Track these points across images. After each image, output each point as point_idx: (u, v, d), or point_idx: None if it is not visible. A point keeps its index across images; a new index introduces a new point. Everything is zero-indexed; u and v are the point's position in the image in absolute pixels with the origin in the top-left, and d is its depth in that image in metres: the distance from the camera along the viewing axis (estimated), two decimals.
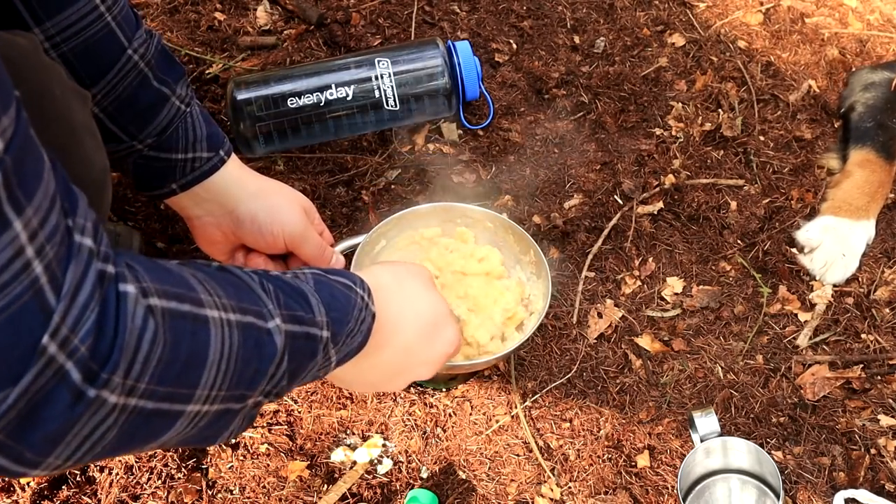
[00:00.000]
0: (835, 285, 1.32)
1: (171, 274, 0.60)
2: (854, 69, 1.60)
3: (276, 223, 1.05)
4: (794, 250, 1.36)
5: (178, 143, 1.01)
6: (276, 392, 0.70)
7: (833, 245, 1.33)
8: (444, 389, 1.20)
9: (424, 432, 1.17)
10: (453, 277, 1.20)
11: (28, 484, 1.10)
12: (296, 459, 1.14)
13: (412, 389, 1.20)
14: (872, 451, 1.16)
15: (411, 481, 1.13)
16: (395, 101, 1.40)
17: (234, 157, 1.07)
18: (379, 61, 1.41)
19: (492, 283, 1.19)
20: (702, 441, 1.11)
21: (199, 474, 1.12)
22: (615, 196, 1.41)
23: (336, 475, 1.13)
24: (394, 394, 1.20)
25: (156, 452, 1.12)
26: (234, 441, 1.15)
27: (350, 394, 1.20)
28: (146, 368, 0.55)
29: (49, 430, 0.52)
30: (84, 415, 0.53)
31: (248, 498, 1.11)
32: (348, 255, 1.15)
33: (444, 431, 1.17)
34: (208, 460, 1.14)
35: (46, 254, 0.50)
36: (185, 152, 1.01)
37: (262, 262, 1.07)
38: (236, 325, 0.63)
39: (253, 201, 1.05)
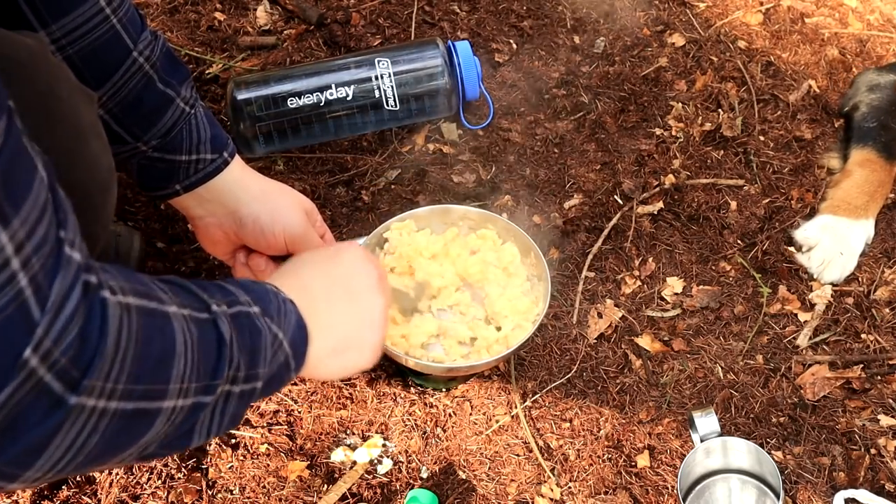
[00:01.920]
0: (833, 284, 1.32)
1: (134, 275, 0.61)
2: (860, 70, 1.60)
3: (278, 225, 1.05)
4: (792, 249, 1.36)
5: (182, 144, 1.01)
6: (242, 377, 0.70)
7: (831, 244, 1.33)
8: (444, 389, 1.20)
9: (424, 432, 1.17)
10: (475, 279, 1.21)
11: None
12: (296, 459, 1.14)
13: (412, 389, 1.20)
14: (872, 451, 1.16)
15: (411, 481, 1.13)
16: (395, 101, 1.40)
17: (237, 158, 1.07)
18: (379, 61, 1.41)
19: (509, 285, 1.20)
20: (702, 441, 1.11)
21: (199, 474, 1.12)
22: (615, 196, 1.41)
23: (336, 475, 1.13)
24: (394, 394, 1.20)
25: None
26: (234, 441, 1.15)
27: (350, 394, 1.20)
28: (123, 369, 0.55)
29: (29, 441, 0.52)
30: (65, 423, 0.53)
31: (248, 498, 1.11)
32: None
33: (444, 431, 1.17)
34: (208, 460, 1.14)
35: (32, 265, 0.50)
36: (188, 154, 1.01)
37: (263, 262, 1.08)
38: (190, 319, 0.64)
39: (255, 203, 1.05)
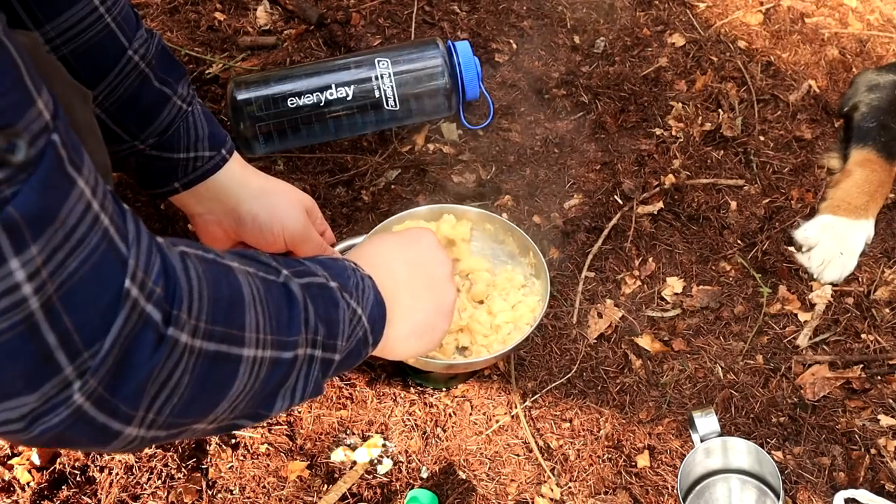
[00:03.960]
0: (833, 284, 1.32)
1: (181, 239, 0.63)
2: (860, 70, 1.60)
3: (277, 223, 1.05)
4: (792, 249, 1.36)
5: (179, 142, 1.01)
6: (322, 342, 0.71)
7: (831, 244, 1.33)
8: (444, 389, 1.20)
9: (424, 432, 1.17)
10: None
11: (28, 484, 1.10)
12: (296, 459, 1.14)
13: (412, 389, 1.20)
14: (872, 451, 1.16)
15: (411, 481, 1.13)
16: (395, 101, 1.40)
17: (236, 155, 1.07)
18: (379, 61, 1.41)
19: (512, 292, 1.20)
20: (702, 441, 1.11)
21: (199, 474, 1.12)
22: (615, 196, 1.41)
23: (336, 475, 1.13)
24: (394, 393, 1.20)
25: (155, 452, 1.13)
26: (234, 441, 1.15)
27: (350, 394, 1.20)
28: (202, 306, 0.57)
29: (139, 377, 0.54)
30: (163, 357, 0.55)
31: (248, 498, 1.11)
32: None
33: (444, 431, 1.17)
34: (208, 460, 1.14)
35: (108, 207, 0.53)
36: (186, 151, 1.01)
37: None
38: (255, 276, 0.65)
39: (254, 201, 1.05)
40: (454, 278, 0.96)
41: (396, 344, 0.88)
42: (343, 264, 0.80)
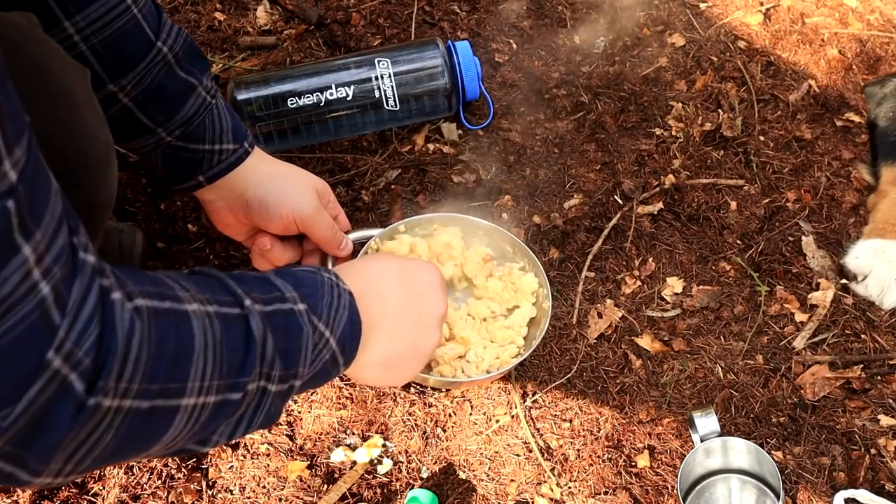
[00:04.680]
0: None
1: (147, 277, 0.62)
2: (860, 79, 1.58)
3: (285, 205, 1.06)
4: (844, 280, 1.32)
5: (205, 134, 1.02)
6: (278, 376, 0.70)
7: (885, 270, 1.30)
8: (444, 390, 1.20)
9: (424, 432, 1.17)
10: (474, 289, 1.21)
11: None
12: (296, 459, 1.14)
13: (412, 389, 1.20)
14: (872, 451, 1.16)
15: (411, 481, 1.13)
16: (395, 101, 1.40)
17: (256, 147, 1.08)
18: (379, 61, 1.41)
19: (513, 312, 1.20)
20: (702, 441, 1.11)
21: (199, 474, 1.12)
22: (615, 196, 1.41)
23: (336, 475, 1.13)
24: (394, 394, 1.20)
25: None
26: (234, 441, 1.15)
27: (350, 394, 1.20)
28: (137, 370, 0.56)
29: (52, 439, 0.53)
30: (82, 423, 0.54)
31: (248, 498, 1.11)
32: (360, 245, 1.16)
33: (444, 431, 1.17)
34: (208, 460, 1.14)
35: (54, 274, 0.51)
36: (211, 143, 1.03)
37: (268, 241, 1.09)
38: (215, 315, 0.64)
39: (261, 186, 1.06)
40: (443, 324, 0.95)
41: (363, 370, 0.87)
42: (319, 279, 0.78)
